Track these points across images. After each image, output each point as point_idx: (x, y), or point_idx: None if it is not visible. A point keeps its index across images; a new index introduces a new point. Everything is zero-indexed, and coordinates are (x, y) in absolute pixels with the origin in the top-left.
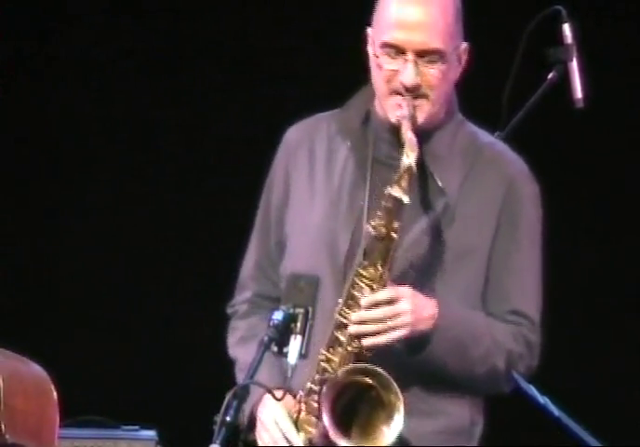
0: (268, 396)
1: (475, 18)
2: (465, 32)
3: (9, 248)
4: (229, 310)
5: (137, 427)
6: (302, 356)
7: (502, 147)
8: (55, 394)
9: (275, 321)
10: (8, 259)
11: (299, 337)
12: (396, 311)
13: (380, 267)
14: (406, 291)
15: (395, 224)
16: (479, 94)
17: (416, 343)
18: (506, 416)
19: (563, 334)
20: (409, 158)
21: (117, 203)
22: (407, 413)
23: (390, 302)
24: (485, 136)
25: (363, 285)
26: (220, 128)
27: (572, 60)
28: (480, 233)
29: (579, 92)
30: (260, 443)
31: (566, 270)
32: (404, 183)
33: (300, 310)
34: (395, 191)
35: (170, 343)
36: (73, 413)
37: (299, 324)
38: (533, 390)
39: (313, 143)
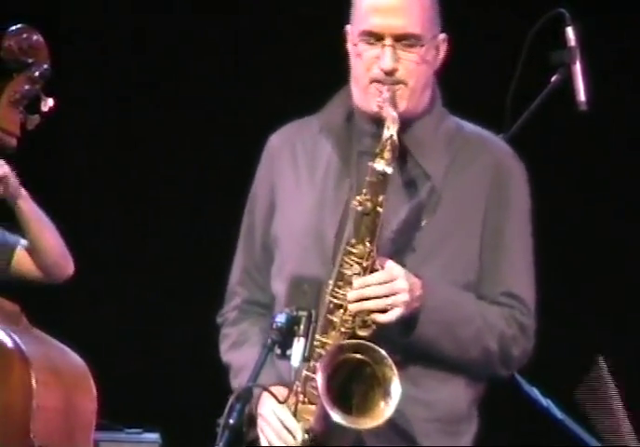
0: (266, 393)
1: (479, 20)
2: (468, 34)
3: None
4: (219, 319)
5: (140, 430)
6: (306, 359)
7: (488, 134)
8: (94, 390)
9: (279, 324)
10: None
11: (302, 340)
12: (395, 289)
13: (368, 243)
14: (398, 269)
15: (380, 198)
16: (483, 96)
17: (406, 324)
18: (507, 417)
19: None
20: (390, 130)
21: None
22: (403, 400)
23: (385, 282)
24: (470, 126)
25: (352, 263)
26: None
27: (575, 63)
28: (468, 216)
29: (582, 95)
30: (261, 437)
31: (569, 272)
32: (387, 155)
33: (304, 313)
34: (378, 164)
35: (174, 345)
36: None
37: (302, 327)
38: (536, 392)
39: (294, 147)
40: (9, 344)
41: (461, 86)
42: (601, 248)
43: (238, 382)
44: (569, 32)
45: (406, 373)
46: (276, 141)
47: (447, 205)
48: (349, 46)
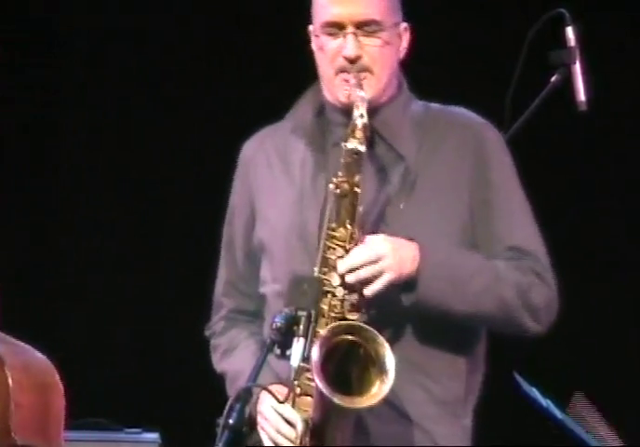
0: (264, 393)
1: (478, 20)
2: (468, 34)
3: (10, 246)
4: (207, 332)
5: (139, 430)
6: (305, 358)
7: (458, 109)
8: (61, 386)
9: (278, 324)
10: (9, 258)
11: (301, 340)
12: (377, 255)
13: (349, 226)
14: (376, 237)
15: (356, 178)
16: (482, 96)
17: (407, 287)
18: (507, 417)
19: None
20: (360, 109)
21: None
22: (403, 381)
23: (368, 251)
24: (437, 106)
25: (335, 246)
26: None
27: (575, 63)
28: (448, 192)
29: (582, 95)
30: (262, 436)
31: (569, 271)
32: (358, 134)
33: (303, 313)
34: (351, 143)
35: (174, 345)
36: (76, 415)
37: (301, 327)
38: (536, 393)
39: (267, 151)
40: None
41: (461, 86)
42: (601, 248)
43: (236, 388)
44: (569, 32)
45: (407, 357)
46: (249, 148)
47: (424, 185)
48: (313, 45)
